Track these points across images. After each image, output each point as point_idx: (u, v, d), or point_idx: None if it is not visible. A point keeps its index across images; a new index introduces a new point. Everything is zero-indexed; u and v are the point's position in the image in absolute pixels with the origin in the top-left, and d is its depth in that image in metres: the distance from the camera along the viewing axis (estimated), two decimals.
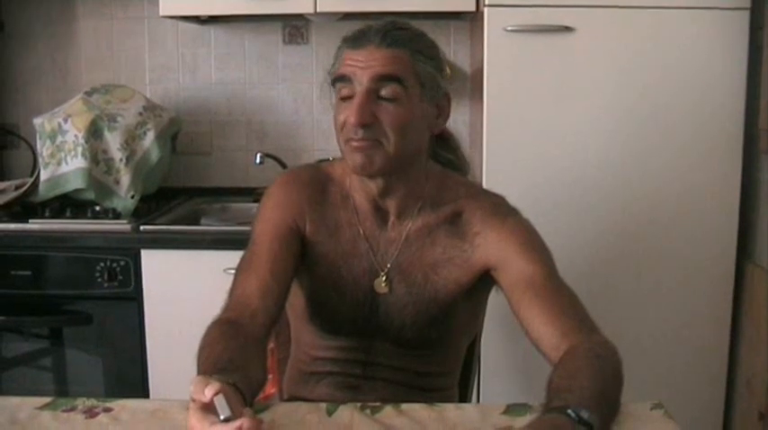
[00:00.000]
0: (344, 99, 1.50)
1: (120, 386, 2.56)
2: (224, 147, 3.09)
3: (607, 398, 1.28)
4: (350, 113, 1.48)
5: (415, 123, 1.52)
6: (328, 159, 1.69)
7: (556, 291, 1.47)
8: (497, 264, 1.53)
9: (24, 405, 1.38)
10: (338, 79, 1.51)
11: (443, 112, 1.57)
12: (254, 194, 2.87)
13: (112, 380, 2.60)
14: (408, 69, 1.49)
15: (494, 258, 1.53)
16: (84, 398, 1.40)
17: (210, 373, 1.21)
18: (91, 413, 1.35)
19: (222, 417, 1.10)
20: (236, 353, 1.34)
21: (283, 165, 2.92)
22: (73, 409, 1.37)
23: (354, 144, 1.48)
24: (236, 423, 1.09)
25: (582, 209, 2.33)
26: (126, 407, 1.37)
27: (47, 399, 1.40)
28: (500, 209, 1.58)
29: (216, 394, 1.13)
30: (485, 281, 1.57)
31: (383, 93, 1.48)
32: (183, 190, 3.02)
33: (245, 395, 1.23)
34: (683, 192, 2.33)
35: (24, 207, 2.68)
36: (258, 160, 2.90)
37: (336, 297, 1.59)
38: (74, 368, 2.65)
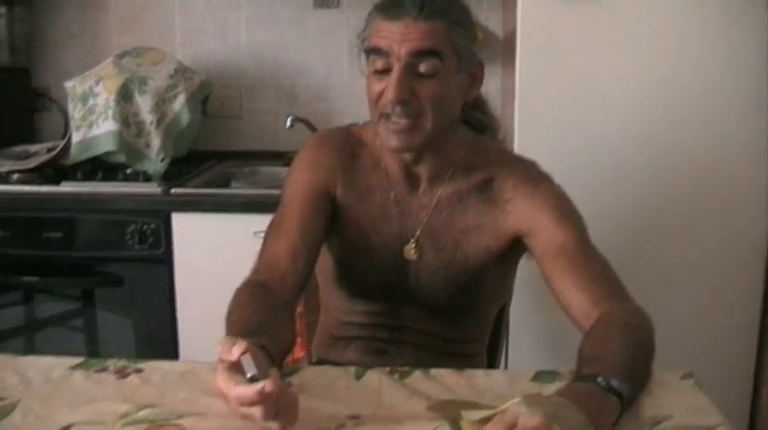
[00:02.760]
0: (379, 72, 1.48)
1: (150, 347, 2.58)
2: (254, 110, 3.09)
3: (637, 367, 1.27)
4: (387, 89, 1.46)
5: (452, 95, 1.50)
6: (358, 123, 1.67)
7: (588, 258, 1.46)
8: (529, 230, 1.52)
9: (57, 365, 1.40)
10: (372, 51, 1.48)
11: (477, 80, 1.56)
12: (284, 158, 2.87)
13: (143, 341, 2.62)
14: (446, 42, 1.46)
15: (525, 225, 1.52)
16: (116, 359, 1.42)
17: (239, 336, 1.21)
18: (122, 373, 1.37)
19: (249, 376, 1.11)
20: (264, 315, 1.35)
21: (313, 129, 2.91)
22: (104, 370, 1.38)
23: (392, 126, 1.47)
24: (259, 385, 1.09)
25: (614, 175, 2.31)
26: (156, 368, 1.39)
27: (79, 360, 1.42)
28: (532, 175, 1.57)
29: (243, 354, 1.13)
30: (515, 247, 1.56)
31: (421, 68, 1.45)
32: (213, 153, 3.03)
33: (274, 358, 1.24)
34: (716, 159, 2.31)
35: (56, 169, 2.69)
36: (288, 124, 2.90)
37: (365, 261, 1.59)
38: (105, 329, 2.68)
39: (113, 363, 1.40)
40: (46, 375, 1.36)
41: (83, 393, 1.30)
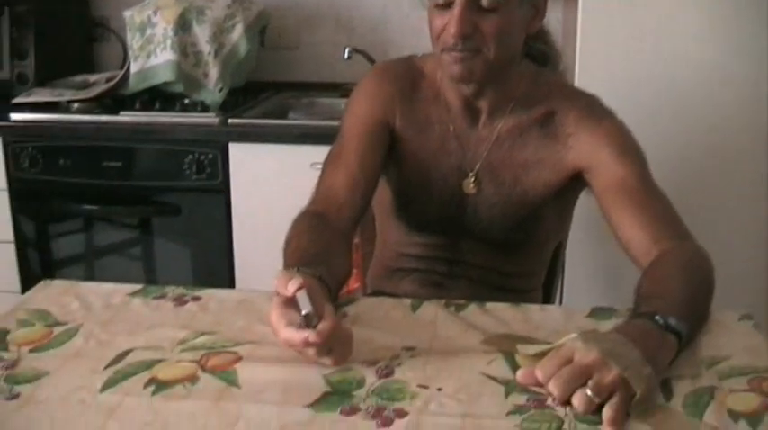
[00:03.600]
0: (440, 6, 1.46)
1: (206, 277, 2.62)
2: (311, 41, 3.07)
3: (696, 307, 1.26)
4: (449, 24, 1.43)
5: (514, 29, 1.47)
6: (417, 55, 1.66)
7: (649, 195, 1.45)
8: (590, 166, 1.50)
9: (117, 291, 1.43)
10: None
11: (540, 13, 1.53)
12: (341, 90, 2.86)
13: (199, 270, 2.66)
14: None
15: (586, 160, 1.51)
16: (174, 287, 1.44)
17: (296, 266, 1.22)
18: (180, 301, 1.39)
19: (303, 312, 1.12)
20: (322, 246, 1.35)
21: (371, 61, 2.89)
22: (163, 297, 1.41)
23: (454, 54, 1.45)
24: (305, 333, 1.10)
25: (677, 111, 2.27)
26: (214, 296, 1.41)
27: (138, 286, 1.45)
28: (594, 109, 1.54)
29: (299, 289, 1.14)
30: (575, 183, 1.55)
31: (483, 2, 1.43)
32: (270, 84, 3.03)
33: (331, 289, 1.25)
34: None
35: (115, 99, 2.72)
36: (346, 55, 2.88)
37: (424, 194, 1.59)
38: (162, 258, 2.72)
39: (171, 291, 1.43)
40: (106, 301, 1.39)
41: (142, 319, 1.32)
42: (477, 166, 1.57)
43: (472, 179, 1.57)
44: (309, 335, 1.10)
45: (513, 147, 1.55)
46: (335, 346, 1.14)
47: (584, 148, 1.51)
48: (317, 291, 1.17)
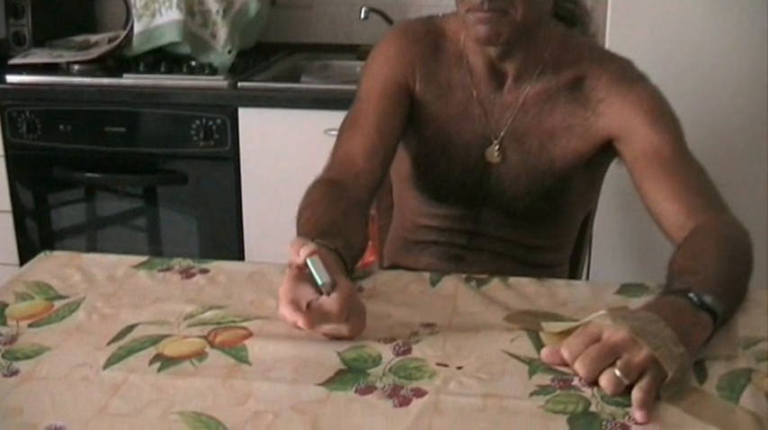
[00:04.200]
0: None
1: (214, 248, 2.63)
2: (326, 0, 3.06)
3: (733, 284, 1.25)
4: None
5: None
6: (437, 16, 1.65)
7: (683, 165, 1.44)
8: (621, 133, 1.50)
9: (121, 263, 1.44)
10: None
11: None
12: (357, 51, 2.85)
13: (207, 241, 2.68)
14: None
15: (617, 128, 1.50)
16: (181, 259, 1.45)
17: (311, 237, 1.23)
18: (187, 274, 1.40)
19: (320, 282, 1.12)
20: (337, 216, 1.36)
21: (389, 21, 2.88)
22: (169, 269, 1.41)
23: (480, 15, 1.44)
24: (300, 316, 1.12)
25: (715, 77, 2.25)
26: (223, 268, 1.41)
27: (142, 258, 1.46)
28: (626, 74, 1.53)
29: (310, 255, 1.15)
30: (605, 152, 1.54)
31: None
32: (282, 45, 3.02)
33: (347, 261, 1.26)
34: None
35: (118, 61, 2.72)
36: (362, 15, 2.86)
37: (445, 163, 1.59)
38: (168, 229, 2.74)
39: (178, 263, 1.43)
40: (109, 273, 1.40)
41: (147, 292, 1.33)
42: (502, 134, 1.57)
43: (496, 147, 1.57)
44: (301, 321, 1.11)
45: (541, 113, 1.54)
46: (351, 318, 1.15)
47: (615, 115, 1.50)
48: (331, 264, 1.18)
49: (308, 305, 1.12)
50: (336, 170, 1.50)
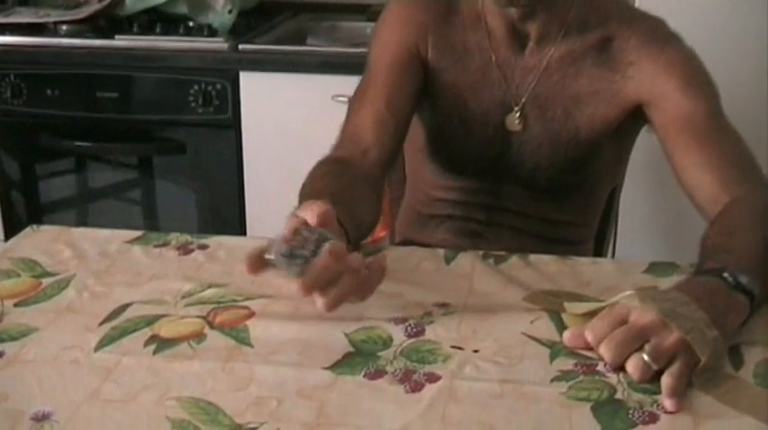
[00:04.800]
0: None
1: (214, 222, 2.64)
2: None
3: None
4: None
5: None
6: None
7: (719, 133, 1.43)
8: (652, 99, 1.49)
9: (114, 238, 1.44)
10: None
11: None
12: (368, 12, 2.84)
13: (206, 215, 2.68)
14: None
15: (648, 92, 1.49)
16: (178, 234, 1.45)
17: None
18: (184, 250, 1.40)
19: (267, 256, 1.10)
20: (342, 188, 1.34)
21: None
22: (165, 245, 1.42)
23: None
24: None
25: (756, 37, 2.24)
26: (223, 244, 1.41)
27: (137, 233, 1.46)
28: (658, 35, 1.52)
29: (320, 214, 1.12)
30: (634, 119, 1.53)
31: None
32: (286, 5, 3.02)
33: (349, 233, 1.24)
34: None
35: (110, 21, 2.72)
36: None
37: (462, 132, 1.59)
38: (164, 202, 2.74)
39: (175, 238, 1.44)
40: (102, 249, 1.40)
41: (142, 269, 1.34)
42: (523, 100, 1.56)
43: (517, 114, 1.56)
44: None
45: (565, 77, 1.54)
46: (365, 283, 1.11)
47: (645, 79, 1.49)
48: (333, 221, 1.15)
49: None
50: (344, 147, 1.49)
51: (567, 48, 1.53)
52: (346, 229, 1.22)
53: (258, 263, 1.11)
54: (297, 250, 1.08)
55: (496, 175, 1.61)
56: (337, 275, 1.07)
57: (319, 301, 1.08)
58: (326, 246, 1.07)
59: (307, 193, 1.33)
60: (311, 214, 1.13)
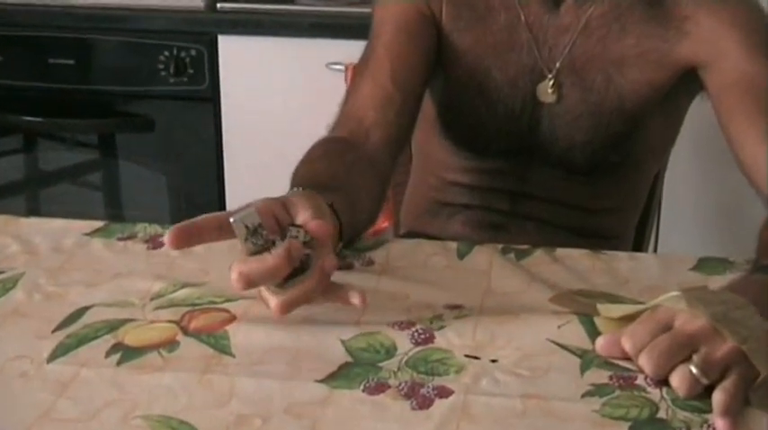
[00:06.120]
0: None
1: (188, 211, 2.62)
2: None
3: None
4: None
5: None
6: None
7: None
8: (708, 59, 1.48)
9: (70, 229, 1.44)
10: None
11: None
12: None
13: (179, 202, 2.69)
14: None
15: (705, 52, 1.49)
16: (146, 224, 1.45)
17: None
18: (154, 243, 1.40)
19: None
20: (339, 170, 1.35)
21: None
22: (131, 238, 1.42)
23: None
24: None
25: None
26: None
27: (98, 224, 1.46)
28: None
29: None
30: (687, 84, 1.54)
31: None
32: None
33: (343, 222, 1.23)
34: None
35: None
36: None
37: (483, 105, 1.58)
38: (130, 187, 2.75)
39: (143, 229, 1.44)
40: (56, 243, 1.40)
41: (103, 266, 1.34)
42: (558, 65, 1.56)
43: (550, 83, 1.56)
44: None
45: (607, 37, 1.53)
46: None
47: (703, 36, 1.48)
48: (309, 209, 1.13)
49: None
50: (344, 126, 1.49)
51: (611, 2, 1.53)
52: (341, 221, 1.22)
53: (189, 232, 1.10)
54: (267, 233, 1.08)
55: (524, 156, 1.61)
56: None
57: (272, 302, 1.09)
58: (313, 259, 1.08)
59: (299, 177, 1.32)
60: (303, 215, 1.11)
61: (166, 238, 1.10)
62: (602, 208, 1.66)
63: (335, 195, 1.22)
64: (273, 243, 1.07)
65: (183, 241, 1.10)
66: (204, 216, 1.10)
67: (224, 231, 1.08)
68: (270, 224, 1.08)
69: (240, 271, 1.06)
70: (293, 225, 1.10)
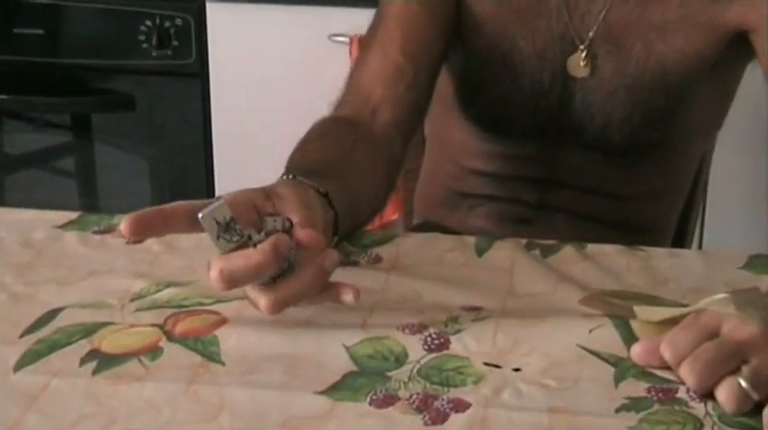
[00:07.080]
0: None
1: (173, 200, 2.62)
2: None
3: None
4: None
5: None
6: None
7: None
8: (760, 22, 1.48)
9: (40, 221, 1.45)
10: None
11: None
12: None
13: (163, 191, 2.69)
14: None
15: (756, 15, 1.48)
16: (125, 216, 1.45)
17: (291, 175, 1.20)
18: None
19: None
20: (337, 153, 1.36)
21: None
22: (108, 231, 1.42)
23: None
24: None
25: None
26: None
27: (72, 215, 1.47)
28: None
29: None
30: (737, 53, 1.53)
31: None
32: None
33: (338, 213, 1.23)
34: None
35: None
36: None
37: (507, 79, 1.59)
38: (107, 173, 2.75)
39: (121, 222, 1.44)
40: (24, 236, 1.41)
41: (78, 263, 1.34)
42: (591, 35, 1.55)
43: (583, 54, 1.56)
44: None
45: (647, 0, 1.53)
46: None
47: None
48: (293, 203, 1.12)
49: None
50: (348, 104, 1.50)
51: None
52: (336, 212, 1.22)
53: (149, 222, 1.10)
54: (241, 228, 1.08)
55: (552, 138, 1.61)
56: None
57: (262, 301, 1.09)
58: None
59: (296, 161, 1.33)
60: (294, 213, 1.10)
61: (122, 226, 1.09)
62: (642, 193, 1.66)
63: (332, 182, 1.22)
64: (250, 238, 1.07)
65: (142, 231, 1.11)
66: (175, 203, 1.10)
67: (196, 222, 1.07)
68: (250, 218, 1.09)
69: (221, 268, 1.05)
70: (269, 214, 1.10)
